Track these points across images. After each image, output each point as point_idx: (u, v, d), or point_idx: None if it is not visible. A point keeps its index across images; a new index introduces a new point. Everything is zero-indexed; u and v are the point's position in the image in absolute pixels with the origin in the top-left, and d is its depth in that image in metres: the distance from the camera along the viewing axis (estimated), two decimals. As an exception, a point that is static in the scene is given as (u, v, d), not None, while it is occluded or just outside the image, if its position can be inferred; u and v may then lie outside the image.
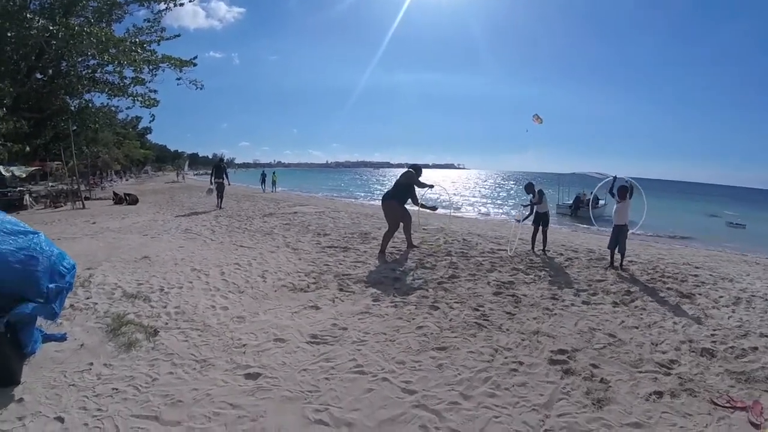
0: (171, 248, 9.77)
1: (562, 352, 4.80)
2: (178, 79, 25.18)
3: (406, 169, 10.09)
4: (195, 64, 25.29)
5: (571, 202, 29.83)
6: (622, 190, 9.31)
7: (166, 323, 5.31)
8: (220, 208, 19.46)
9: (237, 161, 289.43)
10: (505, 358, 4.60)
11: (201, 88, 26.25)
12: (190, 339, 4.86)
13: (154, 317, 5.50)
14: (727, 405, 3.90)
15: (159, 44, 25.12)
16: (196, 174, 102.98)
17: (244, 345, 4.73)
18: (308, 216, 16.54)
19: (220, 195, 20.09)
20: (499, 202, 45.37)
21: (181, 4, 25.15)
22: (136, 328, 5.07)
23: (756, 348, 5.16)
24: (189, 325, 5.25)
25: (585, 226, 17.16)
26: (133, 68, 23.16)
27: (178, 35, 27.19)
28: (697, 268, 9.79)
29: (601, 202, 30.23)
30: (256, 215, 16.57)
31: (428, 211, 10.52)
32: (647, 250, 12.84)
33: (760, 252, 17.07)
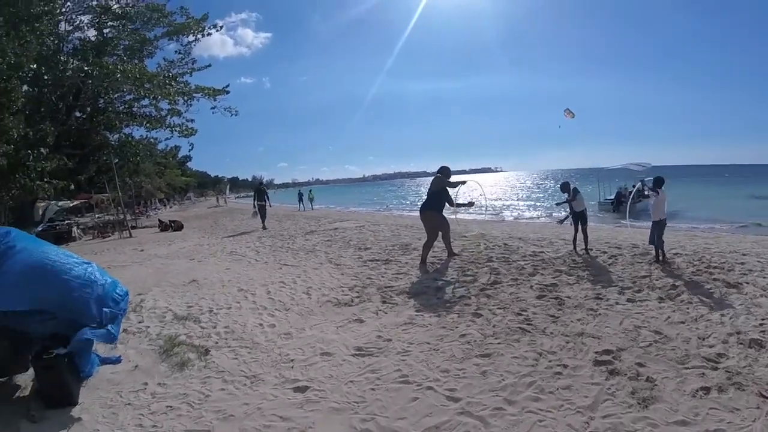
0: (218, 270, 9.97)
1: (607, 352, 4.78)
2: (213, 107, 25.85)
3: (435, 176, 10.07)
4: (228, 92, 25.94)
5: (612, 197, 29.10)
6: (659, 182, 9.15)
7: (216, 342, 5.48)
8: (265, 228, 19.86)
9: (276, 182, 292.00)
10: (549, 361, 4.61)
11: (236, 114, 26.91)
12: (239, 356, 5.01)
13: (205, 337, 5.68)
14: None
15: (191, 75, 25.85)
16: (237, 197, 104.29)
17: (291, 360, 4.85)
18: (349, 231, 16.65)
19: (263, 216, 20.76)
20: (537, 203, 44.74)
21: (209, 35, 25.85)
22: (187, 348, 5.25)
23: None
24: (238, 344, 5.40)
25: (628, 221, 16.90)
26: (168, 100, 23.80)
27: (209, 65, 27.90)
28: (744, 255, 9.57)
29: (648, 193, 29.25)
30: (298, 234, 16.76)
31: (465, 207, 10.55)
32: (693, 240, 12.58)
33: None
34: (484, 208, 10.62)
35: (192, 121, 25.71)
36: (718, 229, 18.33)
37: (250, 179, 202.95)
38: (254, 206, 21.27)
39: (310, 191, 42.95)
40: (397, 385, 4.18)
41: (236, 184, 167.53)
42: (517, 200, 51.40)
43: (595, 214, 27.00)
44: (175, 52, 25.77)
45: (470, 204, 10.80)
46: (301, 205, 39.71)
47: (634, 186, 23.79)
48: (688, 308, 6.15)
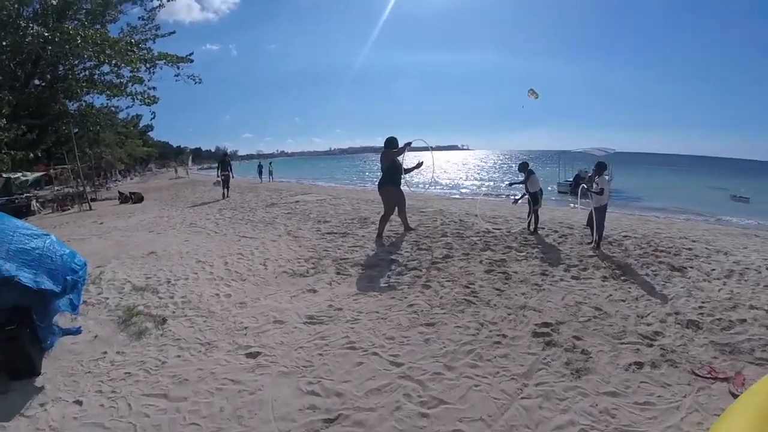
0: (177, 243, 10.04)
1: (546, 325, 5.04)
2: (176, 75, 25.30)
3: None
4: (191, 60, 25.38)
5: (571, 180, 29.84)
6: (601, 167, 9.43)
7: (173, 312, 5.64)
8: (227, 197, 21.08)
9: (240, 153, 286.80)
10: (490, 331, 4.86)
11: (199, 83, 26.31)
12: (195, 325, 5.18)
13: (162, 307, 5.83)
14: (709, 376, 3.99)
15: (155, 42, 25.22)
16: (200, 168, 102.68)
17: (245, 328, 5.05)
18: (310, 204, 16.71)
19: (227, 186, 21.93)
20: (497, 182, 45.36)
21: (171, -1, 25.25)
22: (145, 318, 5.41)
23: (744, 320, 5.30)
24: (194, 313, 5.57)
25: (585, 203, 17.38)
26: (130, 68, 23.35)
27: (173, 32, 27.28)
28: (693, 241, 9.89)
29: (607, 177, 30.20)
30: (258, 206, 16.75)
31: (416, 169, 10.59)
32: (646, 225, 12.87)
33: (763, 224, 17.32)
34: (432, 169, 10.57)
35: (154, 89, 25.11)
36: (673, 216, 18.87)
37: (213, 150, 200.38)
38: (218, 176, 22.91)
39: (270, 164, 43.31)
40: (344, 351, 4.40)
41: (199, 155, 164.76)
42: (480, 179, 52.02)
43: (553, 195, 27.92)
44: (139, 18, 25.18)
45: (419, 165, 10.77)
46: (261, 178, 39.79)
47: (593, 169, 24.48)
48: (630, 288, 6.43)
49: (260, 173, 40.55)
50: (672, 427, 3.29)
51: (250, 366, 4.17)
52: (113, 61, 22.33)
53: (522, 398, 3.62)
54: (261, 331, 4.95)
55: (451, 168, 73.98)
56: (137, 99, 24.62)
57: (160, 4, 24.95)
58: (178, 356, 4.42)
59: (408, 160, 10.35)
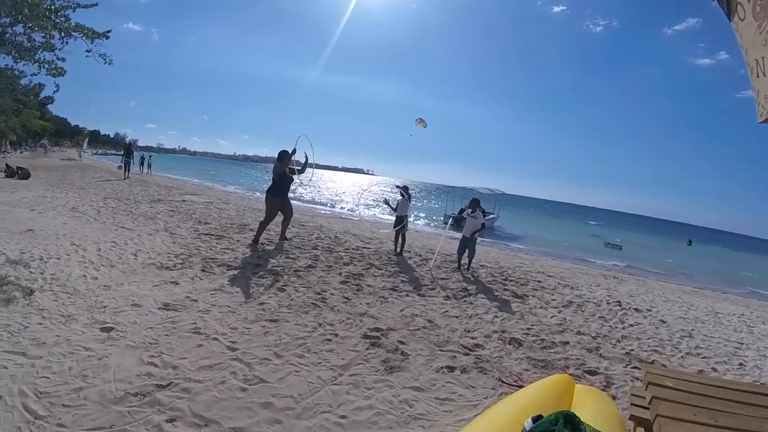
0: (55, 224, 10.12)
1: (377, 330, 5.72)
2: (88, 50, 24.44)
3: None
4: (108, 37, 24.59)
5: (457, 213, 31.64)
6: (475, 203, 10.46)
7: (42, 286, 5.95)
8: (127, 178, 26.99)
9: (140, 143, 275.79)
10: (325, 330, 5.50)
11: (110, 63, 25.59)
12: (59, 299, 5.56)
13: (32, 281, 6.11)
14: (513, 383, 4.61)
15: (74, 11, 24.37)
16: (95, 153, 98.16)
17: (104, 306, 5.47)
18: (195, 205, 16.89)
19: (128, 169, 28.54)
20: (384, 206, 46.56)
21: (105, -32, 24.63)
22: (14, 288, 5.73)
23: (567, 342, 6.18)
24: (61, 290, 5.92)
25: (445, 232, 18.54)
26: (43, 33, 22.49)
27: (96, 4, 26.55)
28: (549, 276, 10.99)
29: (491, 216, 32.23)
30: (144, 200, 16.72)
31: (301, 170, 11.26)
32: (512, 259, 13.94)
33: (628, 269, 19.47)
34: (312, 167, 11.14)
35: (63, 60, 24.29)
36: (542, 256, 20.19)
37: (112, 135, 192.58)
38: (122, 161, 28.96)
39: (150, 157, 44.83)
40: (188, 334, 4.91)
41: (97, 139, 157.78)
42: (374, 201, 53.22)
43: (438, 224, 30.03)
44: None
45: (304, 167, 11.45)
46: (141, 168, 40.47)
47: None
48: (467, 307, 7.25)
49: (141, 164, 41.38)
50: (464, 420, 3.84)
51: (102, 338, 4.60)
52: (28, 22, 21.46)
53: (333, 384, 4.20)
54: (118, 311, 5.37)
55: (351, 189, 74.62)
56: (44, 67, 23.61)
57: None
58: (40, 324, 4.79)
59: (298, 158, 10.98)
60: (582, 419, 2.55)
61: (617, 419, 3.33)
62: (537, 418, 2.61)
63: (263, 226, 10.26)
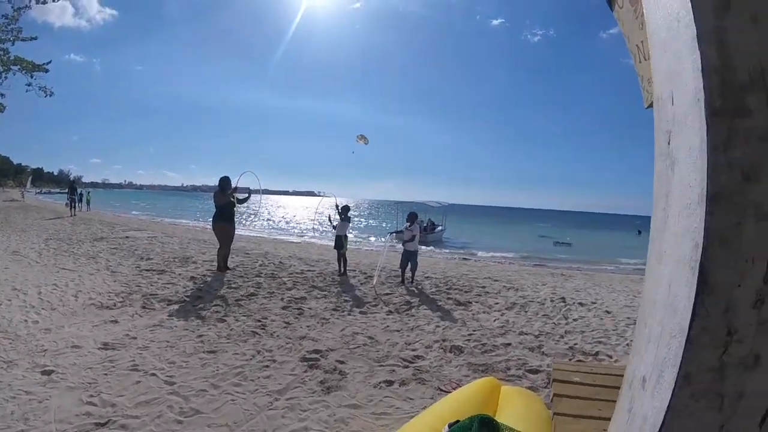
0: None
1: (317, 351, 5.81)
2: (28, 84, 23.85)
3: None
4: (47, 70, 23.97)
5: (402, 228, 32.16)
6: (413, 217, 10.80)
7: None
8: (74, 215, 28.77)
9: (84, 179, 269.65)
10: (264, 357, 5.58)
11: (51, 96, 24.99)
12: (1, 346, 5.56)
13: None
14: (452, 390, 4.55)
15: (13, 44, 23.77)
16: (38, 192, 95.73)
17: (45, 350, 5.48)
18: (139, 241, 16.75)
19: (74, 206, 30.27)
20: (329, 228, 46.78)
21: (44, 2, 24.06)
22: None
23: (509, 344, 6.35)
24: (2, 335, 5.92)
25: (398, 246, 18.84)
26: None
27: (35, 38, 25.84)
28: (495, 281, 11.22)
29: (439, 228, 32.77)
30: (86, 239, 16.57)
31: (246, 200, 11.59)
32: (459, 268, 14.28)
33: (576, 265, 20.10)
34: (259, 197, 11.37)
35: (2, 95, 23.68)
36: (492, 261, 20.77)
37: (56, 173, 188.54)
38: (67, 199, 31.10)
39: (89, 193, 45.47)
40: (127, 372, 4.97)
41: (40, 177, 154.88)
42: (320, 224, 53.39)
43: (386, 240, 30.32)
44: (2, 15, 23.62)
45: (248, 195, 11.74)
46: (81, 205, 40.36)
47: (428, 218, 28.40)
48: (409, 320, 7.41)
49: (80, 200, 41.16)
50: (400, 432, 3.98)
51: (43, 381, 4.65)
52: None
53: (269, 410, 4.29)
54: (59, 354, 5.40)
55: (301, 213, 74.52)
56: (-19, 106, 23.04)
57: (26, 6, 23.66)
58: (-20, 372, 4.82)
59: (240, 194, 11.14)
60: (506, 421, 2.63)
61: (545, 418, 3.39)
62: (453, 424, 2.63)
63: (222, 252, 10.54)
